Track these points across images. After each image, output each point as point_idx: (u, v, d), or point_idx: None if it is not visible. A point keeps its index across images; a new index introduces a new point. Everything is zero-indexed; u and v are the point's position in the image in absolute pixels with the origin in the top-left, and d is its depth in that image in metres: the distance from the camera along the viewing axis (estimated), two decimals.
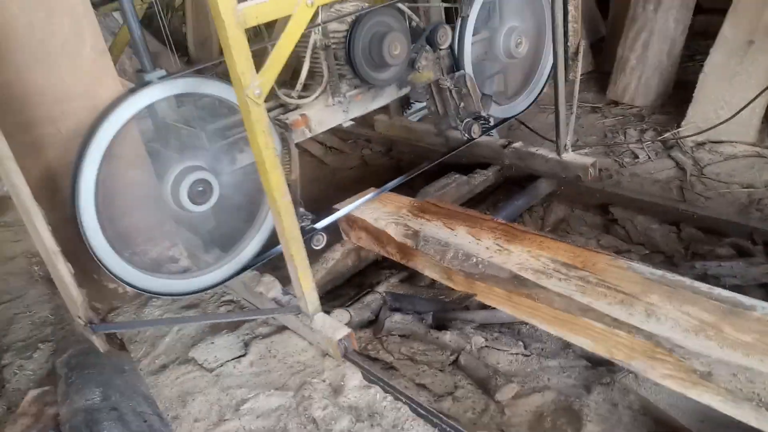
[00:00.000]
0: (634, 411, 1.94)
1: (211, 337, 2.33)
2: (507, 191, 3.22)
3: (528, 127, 3.65)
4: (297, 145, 2.41)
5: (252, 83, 1.71)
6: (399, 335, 2.38)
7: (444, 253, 2.21)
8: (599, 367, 2.12)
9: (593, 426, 1.90)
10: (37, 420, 2.00)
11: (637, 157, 3.41)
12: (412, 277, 2.56)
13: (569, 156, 3.02)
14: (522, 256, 2.05)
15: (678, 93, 3.85)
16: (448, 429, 1.77)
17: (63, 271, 1.98)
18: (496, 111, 3.18)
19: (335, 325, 2.14)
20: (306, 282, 2.07)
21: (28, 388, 2.17)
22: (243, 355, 2.22)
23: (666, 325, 1.68)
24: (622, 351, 1.75)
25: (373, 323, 2.44)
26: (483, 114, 2.92)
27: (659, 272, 1.88)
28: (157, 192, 2.22)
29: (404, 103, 3.37)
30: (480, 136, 3.00)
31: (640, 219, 2.80)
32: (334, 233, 2.65)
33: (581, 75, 4.63)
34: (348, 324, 2.29)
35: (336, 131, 4.29)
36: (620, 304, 1.78)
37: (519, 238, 2.14)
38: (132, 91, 2.09)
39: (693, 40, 4.05)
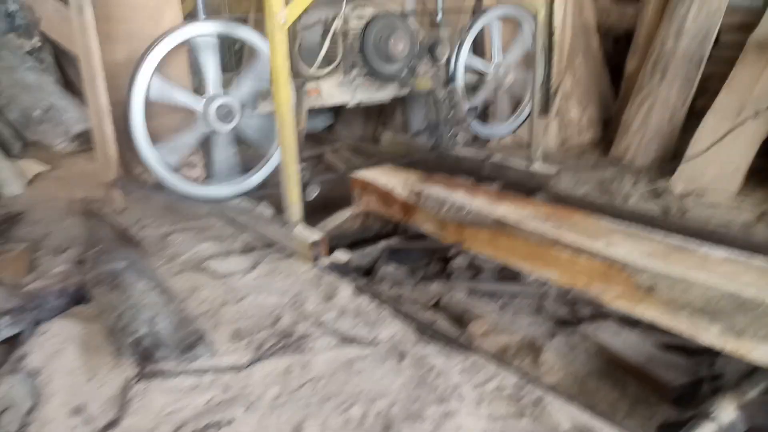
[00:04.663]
0: (590, 353, 2.15)
1: (225, 257, 2.61)
2: None
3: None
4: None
5: (280, 13, 2.26)
6: (391, 283, 2.64)
7: (441, 207, 2.51)
8: (567, 325, 2.35)
9: (550, 354, 2.11)
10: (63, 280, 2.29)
11: (627, 200, 3.72)
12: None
13: (537, 166, 3.48)
14: (508, 209, 2.35)
15: (676, 159, 4.18)
16: (422, 324, 2.00)
17: (107, 127, 2.63)
18: (483, 130, 3.77)
19: (312, 232, 2.53)
20: (293, 195, 2.53)
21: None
22: (251, 270, 2.49)
23: (621, 251, 1.95)
24: (583, 277, 2.00)
25: (370, 273, 2.71)
26: (468, 121, 3.50)
27: (624, 225, 2.16)
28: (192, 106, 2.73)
29: None
30: (462, 145, 3.65)
31: None
32: None
33: (586, 143, 5.07)
34: (347, 263, 2.57)
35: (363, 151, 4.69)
36: (586, 239, 2.05)
37: (509, 199, 2.44)
38: (182, 23, 2.70)
39: (697, 118, 4.42)
